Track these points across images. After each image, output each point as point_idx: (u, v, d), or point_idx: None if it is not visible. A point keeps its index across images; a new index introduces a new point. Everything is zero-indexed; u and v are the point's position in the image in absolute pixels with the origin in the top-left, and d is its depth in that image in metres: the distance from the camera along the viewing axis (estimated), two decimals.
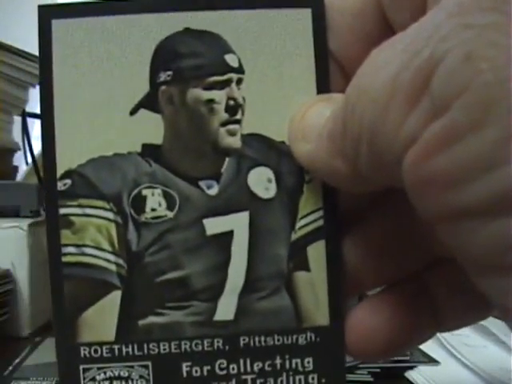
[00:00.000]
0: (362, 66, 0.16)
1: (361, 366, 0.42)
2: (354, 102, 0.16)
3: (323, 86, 0.21)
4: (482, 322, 0.51)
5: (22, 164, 0.81)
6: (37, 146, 0.76)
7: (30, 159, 0.74)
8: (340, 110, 0.17)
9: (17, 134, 0.76)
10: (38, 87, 0.76)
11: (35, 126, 0.86)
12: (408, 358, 0.44)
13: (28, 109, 0.77)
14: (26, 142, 0.76)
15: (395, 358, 0.43)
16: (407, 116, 0.13)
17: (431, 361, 0.44)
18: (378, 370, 0.41)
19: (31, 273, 0.51)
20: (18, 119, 0.75)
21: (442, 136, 0.13)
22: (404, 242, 0.21)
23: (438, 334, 0.49)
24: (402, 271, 0.22)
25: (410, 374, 0.42)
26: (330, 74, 0.21)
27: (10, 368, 0.41)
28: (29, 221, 0.52)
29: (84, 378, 0.20)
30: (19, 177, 0.78)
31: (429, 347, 0.47)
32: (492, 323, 0.51)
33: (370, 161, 0.16)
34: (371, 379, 0.40)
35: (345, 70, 0.21)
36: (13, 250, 0.51)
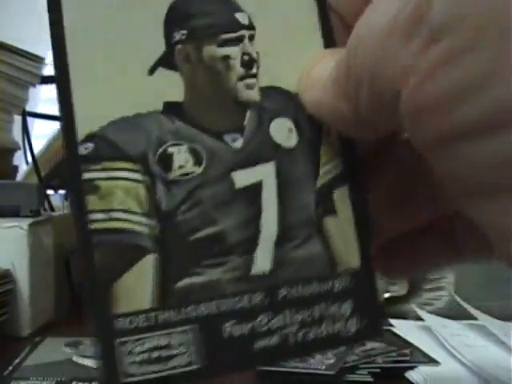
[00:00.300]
0: (363, 14, 0.16)
1: (361, 366, 0.42)
2: (356, 46, 0.16)
3: (328, 39, 0.22)
4: (482, 322, 0.51)
5: (22, 163, 0.81)
6: (37, 146, 0.76)
7: (30, 159, 0.74)
8: (344, 57, 0.18)
9: (17, 134, 0.76)
10: (38, 87, 0.76)
11: (35, 126, 0.86)
12: (408, 358, 0.44)
13: (28, 108, 0.77)
14: (26, 142, 0.76)
15: (395, 359, 0.43)
16: (405, 47, 0.14)
17: (431, 361, 0.44)
18: (378, 370, 0.41)
19: (31, 273, 0.51)
20: (18, 118, 0.75)
21: (438, 61, 0.13)
22: (414, 191, 0.22)
23: (438, 335, 0.49)
24: (416, 219, 0.23)
25: (410, 374, 0.42)
26: (332, 27, 0.22)
27: (10, 368, 0.41)
28: (29, 220, 0.52)
29: (121, 353, 0.19)
30: (19, 176, 0.78)
31: (429, 347, 0.47)
32: (492, 323, 0.51)
33: (370, 102, 0.16)
34: (371, 379, 0.40)
35: (347, 23, 0.22)
36: (13, 250, 0.51)
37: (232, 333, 0.20)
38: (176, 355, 0.19)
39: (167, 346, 0.19)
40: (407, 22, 0.14)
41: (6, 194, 0.56)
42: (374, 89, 0.16)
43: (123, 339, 0.19)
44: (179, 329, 0.19)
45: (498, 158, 0.12)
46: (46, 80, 0.76)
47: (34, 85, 0.75)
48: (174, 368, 0.19)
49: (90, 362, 0.42)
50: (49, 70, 0.78)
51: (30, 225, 0.51)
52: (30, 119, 0.77)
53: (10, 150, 0.75)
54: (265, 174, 0.21)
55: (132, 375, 0.19)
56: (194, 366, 0.19)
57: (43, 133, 0.89)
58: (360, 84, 0.16)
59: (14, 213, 0.55)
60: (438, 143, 0.14)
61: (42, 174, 0.69)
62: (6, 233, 0.51)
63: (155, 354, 0.19)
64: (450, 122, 0.13)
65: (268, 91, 0.22)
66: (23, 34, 0.79)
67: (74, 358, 0.43)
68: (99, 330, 0.19)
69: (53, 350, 0.46)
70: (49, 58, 0.81)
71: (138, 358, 0.19)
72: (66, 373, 0.40)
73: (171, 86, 0.21)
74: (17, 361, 0.43)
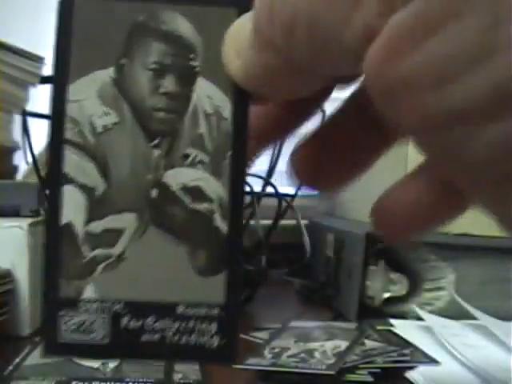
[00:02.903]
0: None
1: (361, 366, 0.42)
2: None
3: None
4: (482, 322, 0.51)
5: (22, 163, 0.81)
6: (37, 146, 0.76)
7: (30, 158, 0.74)
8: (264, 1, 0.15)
9: (17, 134, 0.76)
10: (38, 86, 0.76)
11: (35, 126, 0.86)
12: (408, 358, 0.44)
13: (28, 108, 0.77)
14: (26, 142, 0.76)
15: (395, 358, 0.43)
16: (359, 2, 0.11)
17: (431, 361, 0.44)
18: (378, 370, 0.41)
19: (31, 273, 0.51)
20: (18, 118, 0.75)
21: (410, 29, 0.10)
22: None
23: (438, 334, 0.49)
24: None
25: (410, 374, 0.42)
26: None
27: (10, 368, 0.41)
28: (29, 220, 0.52)
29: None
30: (19, 176, 0.78)
31: (429, 347, 0.47)
32: (492, 323, 0.51)
33: (308, 48, 0.14)
34: (371, 379, 0.40)
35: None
36: (13, 250, 0.51)
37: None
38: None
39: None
40: None
41: (5, 193, 0.56)
42: (315, 34, 0.13)
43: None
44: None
45: (496, 151, 0.10)
46: (46, 80, 0.76)
47: (34, 85, 0.75)
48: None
49: (90, 362, 0.42)
50: (49, 69, 0.78)
51: (30, 225, 0.51)
52: (30, 119, 0.77)
53: (10, 150, 0.75)
54: None
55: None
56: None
57: (43, 133, 0.89)
58: (292, 27, 0.14)
59: (13, 213, 0.55)
60: (428, 127, 0.11)
61: (42, 173, 0.69)
62: (6, 233, 0.51)
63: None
64: (444, 103, 0.10)
65: None
66: (23, 34, 0.79)
67: (74, 358, 0.43)
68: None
69: None
70: (49, 57, 0.81)
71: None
72: (65, 373, 0.40)
73: None
74: (17, 360, 0.43)
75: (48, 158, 0.24)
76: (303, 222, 0.74)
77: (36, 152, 0.73)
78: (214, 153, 0.23)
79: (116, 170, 0.23)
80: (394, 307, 0.59)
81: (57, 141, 0.24)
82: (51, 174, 0.24)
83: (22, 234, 0.51)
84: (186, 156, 0.23)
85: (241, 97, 0.22)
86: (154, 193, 0.23)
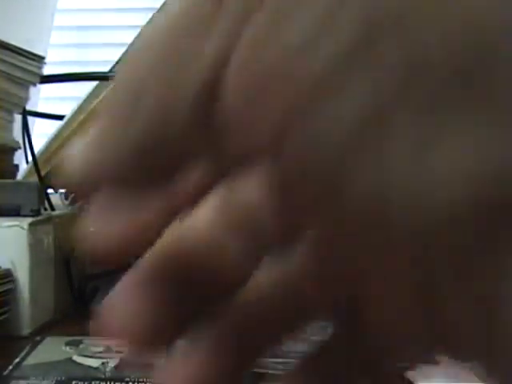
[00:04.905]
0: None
1: None
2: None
3: None
4: None
5: (22, 163, 0.81)
6: (37, 145, 0.76)
7: (30, 158, 0.74)
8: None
9: (17, 133, 0.76)
10: (38, 86, 0.76)
11: (35, 125, 0.86)
12: None
13: (28, 107, 0.77)
14: (26, 141, 0.76)
15: None
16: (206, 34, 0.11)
17: (431, 361, 0.44)
18: None
19: (31, 272, 0.51)
20: (18, 118, 0.75)
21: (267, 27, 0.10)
22: None
23: None
24: None
25: (410, 374, 0.42)
26: None
27: (10, 367, 0.41)
28: (29, 220, 0.52)
29: None
30: (19, 176, 0.78)
31: None
32: None
33: (155, 127, 0.12)
34: None
35: None
36: (13, 250, 0.51)
37: None
38: None
39: None
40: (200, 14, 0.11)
41: (6, 193, 0.56)
42: (156, 119, 0.12)
43: None
44: None
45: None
46: (46, 79, 0.76)
47: (34, 84, 0.74)
48: None
49: (90, 362, 0.42)
50: (49, 69, 0.78)
51: (31, 224, 0.51)
52: (30, 118, 0.77)
53: (11, 149, 0.75)
54: None
55: None
56: None
57: (43, 132, 0.89)
58: (133, 118, 0.12)
59: (14, 212, 0.55)
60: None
61: (43, 173, 0.69)
62: (7, 232, 0.51)
63: None
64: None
65: None
66: (23, 34, 0.79)
67: (74, 358, 0.43)
68: None
69: (53, 349, 0.46)
70: (49, 57, 0.81)
71: None
72: (66, 372, 0.40)
73: None
74: (17, 360, 0.43)
75: None
76: None
77: (36, 151, 0.73)
78: None
79: None
80: None
81: None
82: None
83: (23, 234, 0.51)
84: None
85: None
86: None
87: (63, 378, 0.39)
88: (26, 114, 0.75)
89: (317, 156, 0.10)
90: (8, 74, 0.70)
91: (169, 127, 0.12)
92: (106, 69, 0.72)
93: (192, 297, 0.14)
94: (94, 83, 0.72)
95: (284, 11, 0.10)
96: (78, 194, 0.15)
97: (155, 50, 0.12)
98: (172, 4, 0.12)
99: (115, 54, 0.60)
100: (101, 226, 0.13)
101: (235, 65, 0.11)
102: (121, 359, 0.41)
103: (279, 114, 0.10)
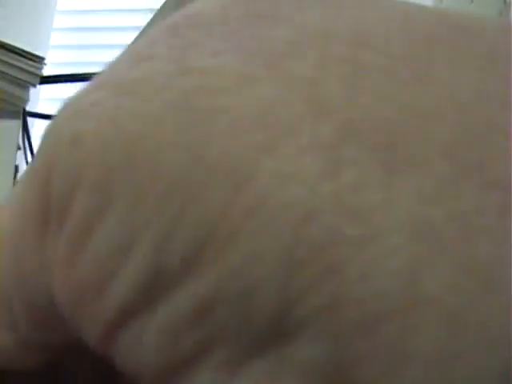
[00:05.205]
0: None
1: None
2: None
3: None
4: None
5: (22, 163, 0.81)
6: (37, 146, 0.76)
7: (30, 158, 0.74)
8: None
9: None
10: (38, 87, 0.77)
11: (35, 126, 0.86)
12: None
13: (28, 108, 0.77)
14: (26, 142, 0.76)
15: None
16: (42, 242, 0.12)
17: None
18: None
19: None
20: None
21: (72, 243, 0.11)
22: None
23: None
24: None
25: None
26: None
27: None
28: None
29: None
30: (19, 176, 0.78)
31: None
32: None
33: (25, 316, 0.13)
34: None
35: None
36: None
37: None
38: None
39: None
40: (35, 216, 0.11)
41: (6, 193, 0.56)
42: (24, 300, 0.13)
43: None
44: None
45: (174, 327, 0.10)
46: (45, 80, 0.76)
47: (34, 85, 0.75)
48: None
49: None
50: (48, 70, 0.78)
51: None
52: (30, 119, 0.78)
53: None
54: None
55: None
56: None
57: (43, 133, 0.89)
58: (11, 300, 0.13)
59: None
60: (106, 326, 0.11)
61: None
62: None
63: None
64: (104, 307, 0.11)
65: None
66: (23, 34, 0.79)
67: None
68: None
69: None
70: (48, 57, 0.81)
71: None
72: None
73: None
74: None
75: None
76: None
77: (36, 152, 0.73)
78: None
79: None
80: None
81: None
82: None
83: None
84: None
85: None
86: None
87: None
88: (25, 114, 0.75)
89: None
90: (8, 74, 0.70)
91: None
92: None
93: None
94: None
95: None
96: None
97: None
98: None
99: (115, 55, 0.60)
100: None
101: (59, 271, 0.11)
102: None
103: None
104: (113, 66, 0.11)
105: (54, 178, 0.11)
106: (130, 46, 0.12)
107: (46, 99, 1.05)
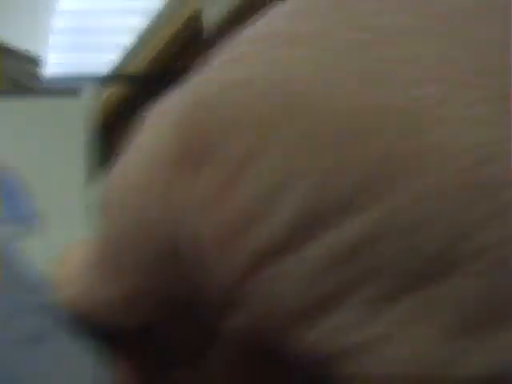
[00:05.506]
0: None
1: None
2: (113, 224, 0.14)
3: None
4: None
5: None
6: None
7: None
8: (101, 242, 0.15)
9: None
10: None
11: None
12: None
13: None
14: None
15: None
16: (174, 188, 0.12)
17: None
18: None
19: None
20: None
21: (208, 197, 0.12)
22: None
23: None
24: None
25: None
26: None
27: None
28: None
29: None
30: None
31: None
32: None
33: (138, 268, 0.14)
34: None
35: None
36: None
37: None
38: None
39: None
40: (168, 162, 0.12)
41: None
42: (145, 260, 0.14)
43: None
44: None
45: (322, 265, 0.11)
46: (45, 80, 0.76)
47: (33, 85, 0.75)
48: None
49: None
50: (48, 70, 0.78)
51: None
52: None
53: None
54: None
55: None
56: None
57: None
58: (125, 262, 0.14)
59: None
60: (244, 270, 0.12)
61: None
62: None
63: None
64: (246, 249, 0.11)
65: None
66: (23, 35, 0.79)
67: None
68: None
69: None
70: (48, 58, 0.81)
71: None
72: None
73: None
74: None
75: None
76: None
77: None
78: None
79: None
80: None
81: None
82: None
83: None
84: None
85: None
86: None
87: None
88: None
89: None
90: (7, 75, 0.70)
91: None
92: (105, 70, 0.72)
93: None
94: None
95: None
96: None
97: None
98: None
99: (115, 56, 0.60)
100: None
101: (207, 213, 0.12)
102: None
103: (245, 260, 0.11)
104: (263, 22, 0.11)
105: (201, 125, 0.11)
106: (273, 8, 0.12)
107: None
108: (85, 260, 0.16)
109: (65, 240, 0.19)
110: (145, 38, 1.53)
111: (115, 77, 1.54)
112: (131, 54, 1.57)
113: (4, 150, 0.16)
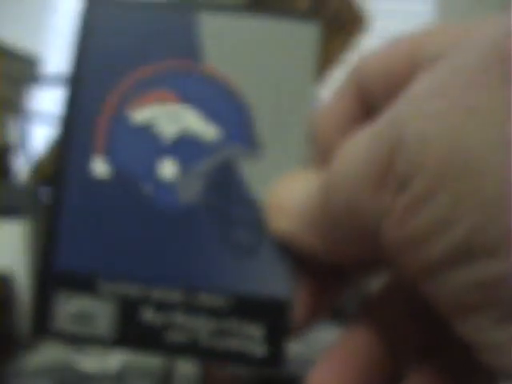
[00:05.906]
0: (336, 158, 0.18)
1: None
2: (331, 195, 0.18)
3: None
4: None
5: (21, 164, 0.81)
6: (36, 146, 0.76)
7: (30, 159, 0.74)
8: (317, 198, 0.19)
9: (16, 134, 0.76)
10: (37, 87, 0.76)
11: (34, 126, 0.86)
12: None
13: (28, 109, 0.77)
14: (25, 142, 0.76)
15: None
16: (378, 196, 0.16)
17: None
18: None
19: (31, 273, 0.51)
20: (17, 119, 0.76)
21: (409, 206, 0.15)
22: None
23: None
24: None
25: None
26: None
27: (10, 369, 0.41)
28: (29, 221, 0.52)
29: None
30: (19, 176, 0.78)
31: None
32: None
33: (348, 238, 0.18)
34: None
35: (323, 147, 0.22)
36: (13, 250, 0.51)
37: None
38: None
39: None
40: (376, 175, 0.16)
41: (5, 193, 0.56)
42: (353, 228, 0.18)
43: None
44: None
45: (470, 284, 0.15)
46: (44, 81, 0.76)
47: (33, 85, 0.75)
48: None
49: (89, 364, 0.42)
50: (48, 70, 0.78)
51: (30, 225, 0.51)
52: (29, 120, 0.77)
53: (10, 150, 0.75)
54: None
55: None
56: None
57: (42, 133, 0.89)
58: (336, 227, 0.18)
59: (13, 213, 0.55)
60: (420, 271, 0.16)
61: (41, 174, 0.69)
62: (6, 233, 0.51)
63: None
64: (427, 255, 0.15)
65: None
66: (23, 34, 0.79)
67: (74, 360, 0.43)
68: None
69: (53, 351, 0.46)
70: (48, 58, 0.81)
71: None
72: (65, 375, 0.40)
73: None
74: (16, 362, 0.43)
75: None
76: None
77: (35, 152, 0.73)
78: None
79: None
80: None
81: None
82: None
83: (22, 234, 0.51)
84: None
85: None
86: None
87: (63, 381, 0.39)
88: (25, 115, 0.75)
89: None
90: (8, 75, 0.70)
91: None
92: None
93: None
94: None
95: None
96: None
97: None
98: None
99: None
100: None
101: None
102: None
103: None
104: (454, 78, 0.15)
105: (399, 156, 0.15)
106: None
107: (45, 100, 1.05)
108: (302, 207, 0.20)
109: (282, 168, 0.22)
110: None
111: None
112: None
113: (235, 74, 0.17)
